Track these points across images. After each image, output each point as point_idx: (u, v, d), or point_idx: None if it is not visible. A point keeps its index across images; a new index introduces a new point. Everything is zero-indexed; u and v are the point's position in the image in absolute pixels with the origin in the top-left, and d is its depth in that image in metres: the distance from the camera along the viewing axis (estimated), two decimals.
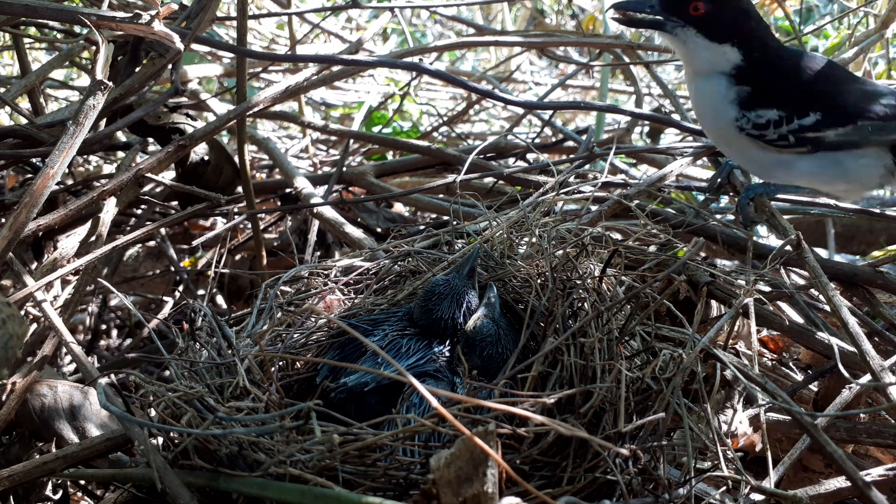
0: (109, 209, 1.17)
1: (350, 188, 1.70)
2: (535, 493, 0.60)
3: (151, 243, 1.69)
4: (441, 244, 1.05)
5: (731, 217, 1.50)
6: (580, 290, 0.84)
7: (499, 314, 0.90)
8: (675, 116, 1.66)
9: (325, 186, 1.57)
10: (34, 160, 1.34)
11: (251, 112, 1.30)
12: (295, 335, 0.92)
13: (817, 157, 1.08)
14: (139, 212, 1.60)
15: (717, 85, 1.09)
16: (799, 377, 1.00)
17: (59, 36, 1.54)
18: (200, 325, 0.89)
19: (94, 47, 1.10)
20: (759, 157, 1.11)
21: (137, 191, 1.33)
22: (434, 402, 0.58)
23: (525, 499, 0.64)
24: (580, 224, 1.00)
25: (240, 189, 1.51)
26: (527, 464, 0.69)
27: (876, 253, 1.62)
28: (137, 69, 1.31)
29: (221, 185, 1.49)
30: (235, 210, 1.59)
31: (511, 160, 1.68)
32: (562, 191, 1.11)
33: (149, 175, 1.20)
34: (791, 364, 1.05)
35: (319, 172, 1.86)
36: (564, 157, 1.76)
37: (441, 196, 1.50)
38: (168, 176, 1.57)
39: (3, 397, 0.95)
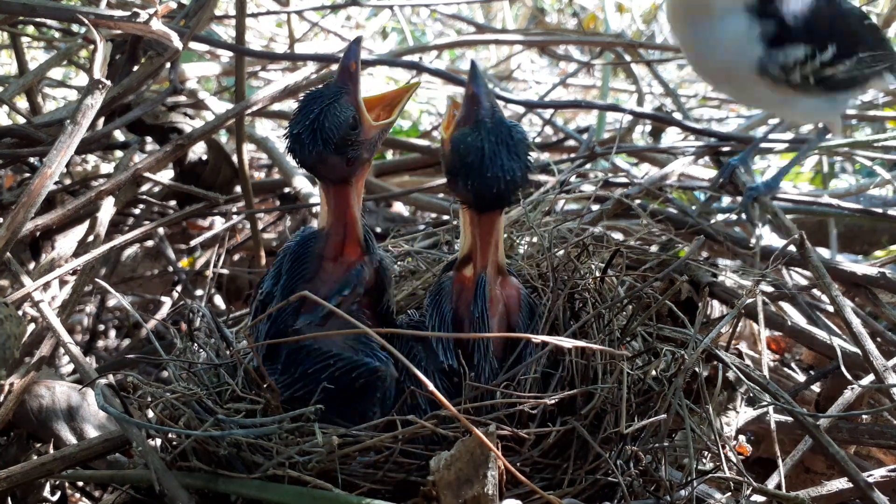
0: (107, 209, 1.17)
1: None
2: (541, 494, 0.60)
3: (149, 243, 1.68)
4: (441, 244, 1.05)
5: (734, 217, 1.50)
6: (582, 291, 0.83)
7: (490, 111, 0.67)
8: (677, 115, 1.66)
9: None
10: (32, 160, 1.33)
11: (250, 111, 1.30)
12: None
13: (816, 97, 1.08)
14: (137, 211, 1.60)
15: (738, 22, 1.00)
16: (801, 378, 1.00)
17: (57, 35, 1.53)
18: (199, 325, 0.89)
19: (92, 46, 1.09)
20: (766, 97, 1.09)
21: (135, 190, 1.33)
22: (445, 403, 0.58)
23: (526, 501, 0.63)
24: (581, 223, 1.00)
25: (238, 188, 1.51)
26: (527, 466, 0.69)
27: (878, 253, 1.62)
28: (136, 68, 1.30)
29: (220, 185, 1.49)
30: (234, 210, 1.58)
31: None
32: (562, 190, 1.11)
33: (147, 174, 1.20)
34: (793, 365, 1.04)
35: None
36: (565, 156, 1.76)
37: (441, 195, 1.50)
38: (166, 175, 1.57)
39: (1, 398, 0.95)
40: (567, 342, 0.56)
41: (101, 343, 1.71)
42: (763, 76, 1.02)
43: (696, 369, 0.78)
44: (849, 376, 0.86)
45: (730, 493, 0.76)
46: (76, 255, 1.14)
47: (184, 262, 1.71)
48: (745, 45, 1.00)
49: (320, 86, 0.74)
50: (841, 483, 0.80)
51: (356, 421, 0.68)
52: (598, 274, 0.85)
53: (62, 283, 1.24)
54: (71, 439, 0.93)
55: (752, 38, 1.00)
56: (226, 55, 1.80)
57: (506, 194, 0.68)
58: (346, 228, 0.76)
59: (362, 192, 0.77)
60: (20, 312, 1.01)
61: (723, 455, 0.75)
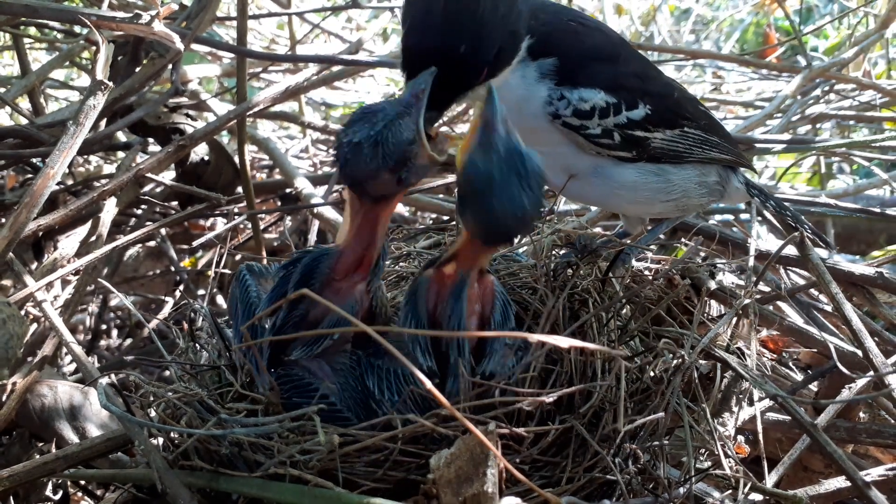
0: (109, 209, 1.17)
1: None
2: (539, 492, 0.60)
3: (151, 243, 1.69)
4: (442, 244, 1.05)
5: (731, 217, 1.50)
6: (582, 292, 0.84)
7: (505, 137, 0.64)
8: None
9: (326, 186, 1.57)
10: (34, 160, 1.34)
11: (251, 112, 1.30)
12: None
13: (639, 165, 0.84)
14: (139, 212, 1.60)
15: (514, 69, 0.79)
16: (799, 377, 1.00)
17: (59, 36, 1.54)
18: (200, 325, 0.89)
19: (94, 47, 1.10)
20: (574, 162, 0.83)
21: (137, 191, 1.34)
22: (445, 402, 0.58)
23: (525, 499, 0.64)
24: (582, 223, 1.00)
25: (240, 189, 1.51)
26: (526, 464, 0.69)
27: (876, 253, 1.62)
28: (138, 69, 1.31)
29: (221, 186, 1.49)
30: (235, 210, 1.59)
31: None
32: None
33: (149, 175, 1.20)
34: (791, 364, 1.05)
35: (319, 172, 1.86)
36: None
37: (441, 196, 1.50)
38: (168, 176, 1.57)
39: (4, 397, 0.95)
40: (563, 341, 0.55)
41: (103, 342, 1.72)
42: (554, 122, 0.79)
43: (695, 368, 0.78)
44: (847, 372, 0.87)
45: (728, 492, 0.76)
46: (78, 255, 1.15)
47: (186, 262, 1.72)
48: (531, 84, 0.79)
49: (381, 101, 0.73)
50: (839, 482, 0.81)
51: None
52: (599, 275, 0.86)
53: (64, 282, 1.24)
54: (73, 438, 0.93)
55: (534, 76, 0.79)
56: (227, 56, 1.80)
57: (511, 226, 0.65)
58: (365, 249, 0.74)
59: (390, 217, 0.75)
60: (23, 312, 1.01)
61: (721, 453, 0.76)
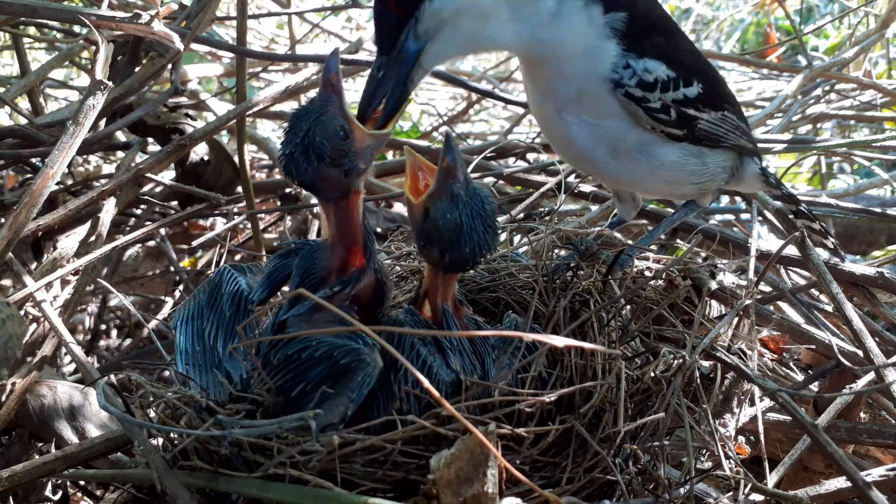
0: (109, 209, 1.17)
1: None
2: (539, 492, 0.60)
3: (151, 243, 1.69)
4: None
5: (731, 217, 1.50)
6: (583, 293, 0.83)
7: (464, 184, 0.68)
8: None
9: None
10: (34, 160, 1.34)
11: (251, 112, 1.30)
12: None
13: (683, 145, 0.84)
14: (139, 212, 1.60)
15: (578, 6, 0.76)
16: (799, 377, 1.00)
17: (58, 36, 1.54)
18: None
19: (93, 47, 1.10)
20: (622, 136, 0.81)
21: (137, 191, 1.33)
22: (444, 402, 0.58)
23: (525, 499, 0.64)
24: (582, 223, 1.00)
25: (239, 189, 1.51)
26: (527, 464, 0.69)
27: (876, 253, 1.62)
28: (137, 69, 1.31)
29: (221, 185, 1.49)
30: (235, 210, 1.59)
31: (511, 160, 1.69)
32: (568, 191, 1.11)
33: (148, 175, 1.20)
34: (791, 364, 1.04)
35: None
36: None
37: None
38: (168, 176, 1.57)
39: (3, 398, 0.95)
40: (558, 340, 0.55)
41: (102, 343, 1.72)
42: (615, 91, 0.78)
43: (695, 369, 0.78)
44: (849, 365, 0.86)
45: (729, 493, 0.76)
46: (78, 255, 1.15)
47: (185, 262, 1.72)
48: (597, 40, 0.77)
49: (304, 104, 0.73)
50: (839, 482, 0.81)
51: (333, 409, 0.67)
52: (599, 276, 0.85)
53: (64, 283, 1.24)
54: (73, 439, 0.93)
55: (601, 30, 0.77)
56: (227, 56, 1.80)
57: (477, 261, 0.70)
58: (349, 243, 0.75)
59: (361, 202, 0.76)
60: (22, 312, 1.01)
61: (721, 454, 0.76)
